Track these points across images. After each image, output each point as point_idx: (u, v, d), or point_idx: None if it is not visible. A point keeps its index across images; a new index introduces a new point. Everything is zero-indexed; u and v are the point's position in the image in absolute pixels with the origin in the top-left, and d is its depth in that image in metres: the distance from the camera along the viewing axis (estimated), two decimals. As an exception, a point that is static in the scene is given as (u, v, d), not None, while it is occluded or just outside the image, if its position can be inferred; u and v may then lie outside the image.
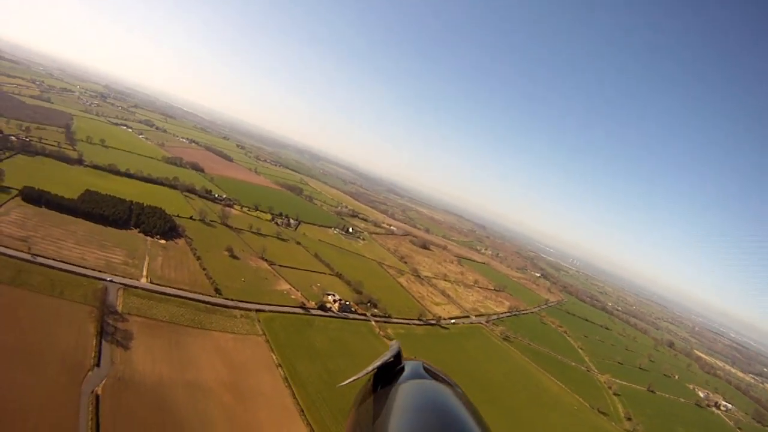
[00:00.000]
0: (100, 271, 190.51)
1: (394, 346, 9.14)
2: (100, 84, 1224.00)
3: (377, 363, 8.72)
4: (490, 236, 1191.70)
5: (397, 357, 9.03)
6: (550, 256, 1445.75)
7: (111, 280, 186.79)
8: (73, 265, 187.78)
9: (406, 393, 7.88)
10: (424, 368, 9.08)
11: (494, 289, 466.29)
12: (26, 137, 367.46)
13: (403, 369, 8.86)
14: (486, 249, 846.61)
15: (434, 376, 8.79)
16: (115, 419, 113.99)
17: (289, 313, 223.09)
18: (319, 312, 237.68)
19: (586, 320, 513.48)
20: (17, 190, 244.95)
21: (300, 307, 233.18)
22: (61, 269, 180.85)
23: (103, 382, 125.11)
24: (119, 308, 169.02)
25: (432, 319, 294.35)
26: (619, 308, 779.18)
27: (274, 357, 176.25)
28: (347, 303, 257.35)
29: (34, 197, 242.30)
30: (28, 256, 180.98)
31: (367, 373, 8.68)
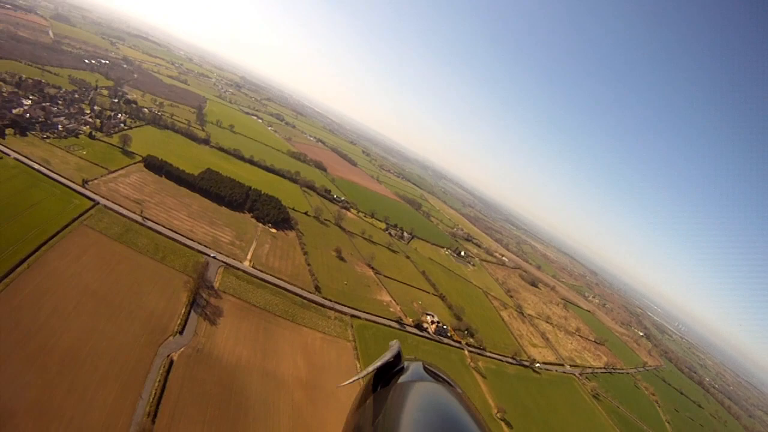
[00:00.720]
0: (205, 246, 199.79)
1: (394, 346, 9.81)
2: (236, 74, 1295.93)
3: (378, 363, 9.20)
4: (600, 283, 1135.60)
5: (397, 357, 9.48)
6: (656, 316, 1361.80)
7: (214, 257, 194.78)
8: (180, 234, 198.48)
9: (406, 393, 8.26)
10: (425, 368, 9.62)
11: (594, 341, 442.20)
12: (158, 111, 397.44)
13: (403, 369, 9.25)
14: (593, 297, 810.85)
15: (434, 376, 9.33)
16: (182, 386, 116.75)
17: (384, 324, 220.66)
18: (415, 330, 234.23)
19: (681, 393, 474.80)
20: (141, 156, 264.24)
21: (396, 321, 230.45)
22: (167, 236, 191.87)
23: (181, 350, 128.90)
24: (216, 285, 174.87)
25: (526, 360, 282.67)
26: (716, 386, 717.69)
27: (358, 365, 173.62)
28: (444, 326, 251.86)
29: (155, 166, 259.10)
30: (139, 218, 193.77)
31: (368, 373, 9.20)
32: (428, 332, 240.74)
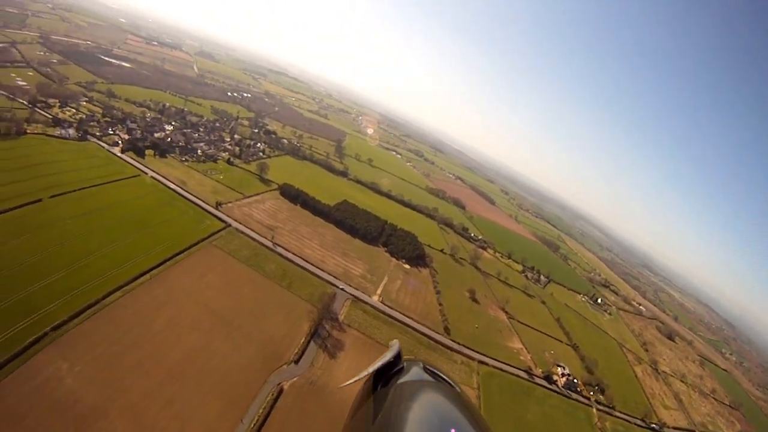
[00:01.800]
0: (335, 277, 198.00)
1: (394, 346, 10.10)
2: (377, 111, 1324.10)
3: (378, 363, 9.37)
4: (737, 338, 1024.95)
5: (397, 357, 9.72)
6: None
7: (342, 289, 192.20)
8: (310, 263, 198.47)
9: (405, 393, 8.57)
10: (424, 368, 9.99)
11: (729, 405, 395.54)
12: (297, 143, 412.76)
13: (403, 369, 9.50)
14: (731, 353, 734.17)
15: (434, 376, 9.71)
16: (287, 417, 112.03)
17: (511, 374, 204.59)
18: (543, 382, 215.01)
19: None
20: (277, 184, 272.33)
21: (525, 371, 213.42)
22: (296, 264, 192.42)
23: (294, 379, 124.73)
24: (341, 317, 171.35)
25: (655, 424, 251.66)
26: None
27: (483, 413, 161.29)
28: (575, 380, 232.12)
29: (291, 194, 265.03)
30: (269, 244, 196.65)
31: (368, 374, 9.36)
32: (557, 385, 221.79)
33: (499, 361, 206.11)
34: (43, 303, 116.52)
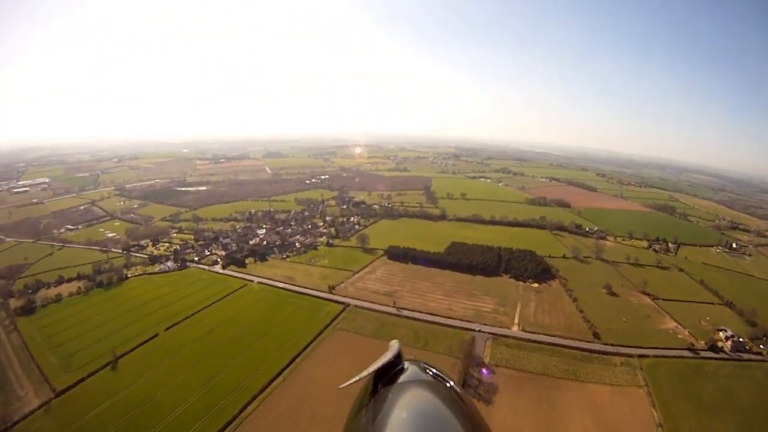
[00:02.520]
0: (467, 321, 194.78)
1: (394, 346, 9.99)
2: (450, 146, 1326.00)
3: (378, 363, 9.31)
4: None
5: (398, 357, 9.64)
6: None
7: (479, 330, 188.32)
8: (438, 316, 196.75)
9: (405, 393, 8.60)
10: (425, 368, 9.79)
11: None
12: (388, 204, 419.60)
13: (403, 369, 9.45)
14: None
15: (434, 376, 9.55)
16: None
17: (675, 357, 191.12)
18: (709, 353, 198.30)
19: None
20: (382, 250, 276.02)
21: (687, 349, 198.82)
22: (425, 321, 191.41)
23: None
24: (486, 359, 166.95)
25: None
26: None
27: (655, 414, 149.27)
28: (741, 340, 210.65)
29: (399, 254, 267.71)
30: (393, 310, 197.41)
31: (368, 374, 9.30)
32: (724, 351, 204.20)
33: (657, 348, 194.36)
34: (185, 429, 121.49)
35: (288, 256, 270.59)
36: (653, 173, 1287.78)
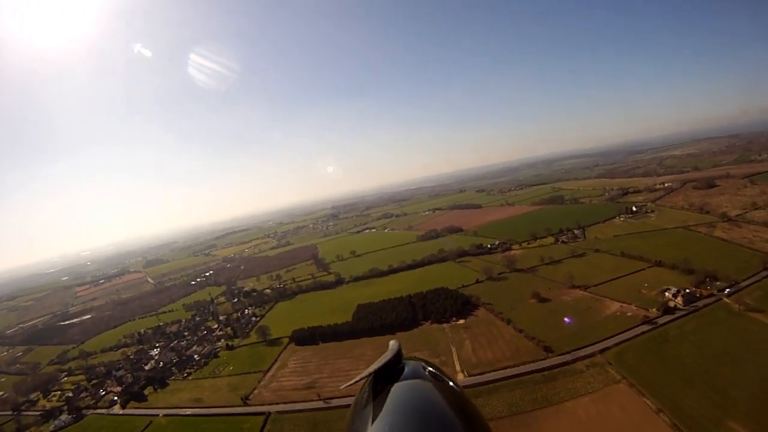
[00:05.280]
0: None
1: (394, 345, 9.67)
2: (327, 208, 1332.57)
3: (378, 363, 9.05)
4: (752, 140, 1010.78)
5: (397, 357, 9.44)
6: None
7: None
8: None
9: (405, 392, 8.35)
10: (424, 367, 9.57)
11: None
12: (279, 285, 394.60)
13: (403, 368, 9.21)
14: (760, 154, 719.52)
15: (434, 375, 9.26)
16: None
17: (635, 336, 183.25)
18: (666, 317, 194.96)
19: None
20: (287, 337, 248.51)
21: (644, 323, 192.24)
22: None
23: None
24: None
25: None
26: None
27: (648, 403, 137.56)
28: (688, 291, 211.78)
29: (306, 338, 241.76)
30: (321, 403, 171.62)
31: (369, 374, 9.04)
32: (679, 307, 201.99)
33: (614, 336, 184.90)
34: None
35: (189, 374, 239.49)
36: (527, 173, 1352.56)
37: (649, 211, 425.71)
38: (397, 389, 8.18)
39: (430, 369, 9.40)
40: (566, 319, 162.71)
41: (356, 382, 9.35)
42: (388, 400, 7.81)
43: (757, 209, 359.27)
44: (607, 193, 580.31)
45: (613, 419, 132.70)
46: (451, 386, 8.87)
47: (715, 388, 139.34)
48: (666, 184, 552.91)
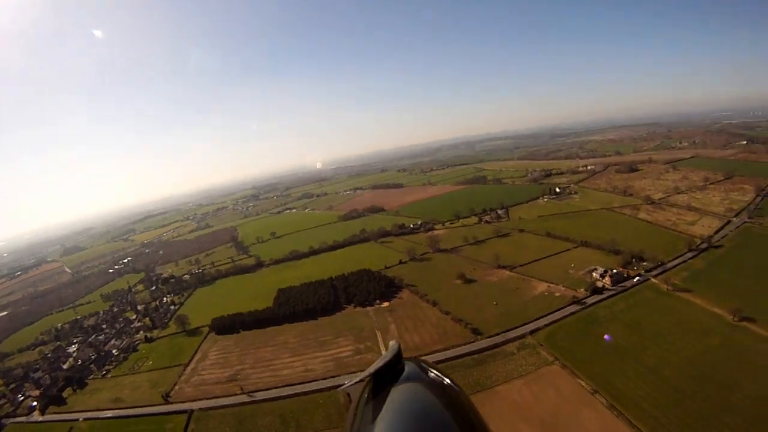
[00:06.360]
0: (333, 377, 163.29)
1: (393, 346, 9.47)
2: (247, 189, 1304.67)
3: (378, 364, 8.91)
4: (672, 129, 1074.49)
5: (397, 357, 9.27)
6: (732, 119, 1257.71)
7: (350, 383, 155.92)
8: (298, 384, 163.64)
9: (405, 393, 8.48)
10: (424, 368, 9.55)
11: (726, 178, 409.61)
12: (199, 269, 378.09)
13: (403, 369, 9.08)
14: (680, 142, 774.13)
15: (434, 375, 9.31)
16: None
17: (565, 317, 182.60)
18: (595, 297, 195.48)
19: None
20: (207, 326, 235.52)
21: (573, 304, 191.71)
22: (287, 396, 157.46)
23: None
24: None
25: (702, 243, 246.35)
26: None
27: (583, 384, 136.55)
28: (615, 271, 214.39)
29: (226, 326, 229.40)
30: (245, 397, 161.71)
31: (368, 375, 8.92)
32: (607, 287, 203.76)
33: (544, 316, 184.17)
34: None
35: (108, 371, 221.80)
36: (449, 153, 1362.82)
37: (572, 192, 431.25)
38: (397, 390, 8.25)
39: (430, 369, 9.41)
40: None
41: (356, 382, 9.10)
42: (388, 400, 7.92)
43: (679, 193, 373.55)
44: (529, 174, 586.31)
45: (549, 402, 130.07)
46: (451, 386, 8.91)
47: (648, 367, 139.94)
48: (589, 167, 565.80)
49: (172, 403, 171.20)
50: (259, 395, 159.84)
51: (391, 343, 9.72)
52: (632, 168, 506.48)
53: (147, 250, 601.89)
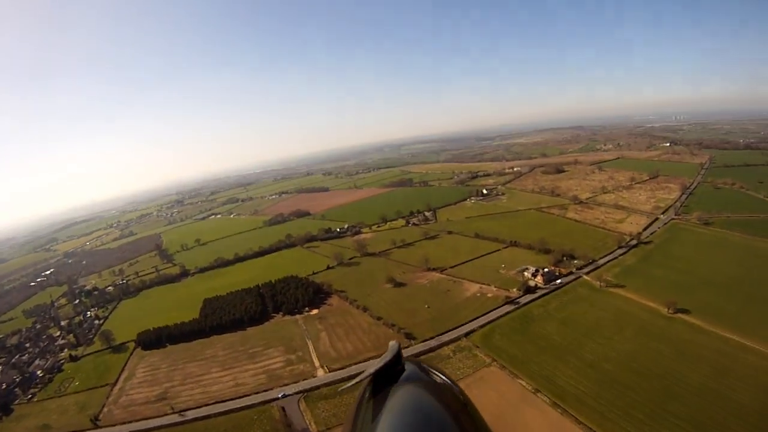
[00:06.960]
0: (266, 390, 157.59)
1: (393, 346, 9.32)
2: (171, 194, 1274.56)
3: (378, 365, 8.84)
4: (596, 132, 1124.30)
5: (397, 358, 9.13)
6: (655, 123, 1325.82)
7: (284, 395, 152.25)
8: (230, 400, 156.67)
9: (405, 393, 8.40)
10: (424, 369, 9.38)
11: (651, 178, 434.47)
12: (122, 280, 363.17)
13: (403, 370, 8.97)
14: (605, 144, 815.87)
15: (434, 376, 9.14)
16: None
17: (500, 317, 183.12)
18: (528, 297, 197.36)
19: (747, 165, 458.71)
20: (133, 341, 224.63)
21: (507, 303, 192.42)
22: (219, 413, 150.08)
23: None
24: (312, 426, 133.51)
25: (632, 240, 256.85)
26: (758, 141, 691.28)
27: (524, 384, 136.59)
28: (546, 270, 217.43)
29: (152, 341, 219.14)
30: (176, 417, 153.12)
31: (368, 375, 8.85)
32: (540, 286, 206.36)
33: (477, 318, 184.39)
34: None
35: (34, 395, 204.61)
36: (374, 156, 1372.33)
37: (500, 193, 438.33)
38: (397, 391, 8.18)
39: (430, 370, 9.27)
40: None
41: (356, 383, 9.07)
42: (388, 401, 7.87)
43: (606, 193, 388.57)
44: (456, 176, 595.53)
45: (491, 404, 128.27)
46: (452, 387, 8.78)
47: (588, 363, 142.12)
48: (515, 169, 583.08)
49: (101, 426, 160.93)
50: (191, 414, 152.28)
51: (391, 343, 9.36)
52: (559, 169, 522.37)
53: (70, 261, 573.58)
